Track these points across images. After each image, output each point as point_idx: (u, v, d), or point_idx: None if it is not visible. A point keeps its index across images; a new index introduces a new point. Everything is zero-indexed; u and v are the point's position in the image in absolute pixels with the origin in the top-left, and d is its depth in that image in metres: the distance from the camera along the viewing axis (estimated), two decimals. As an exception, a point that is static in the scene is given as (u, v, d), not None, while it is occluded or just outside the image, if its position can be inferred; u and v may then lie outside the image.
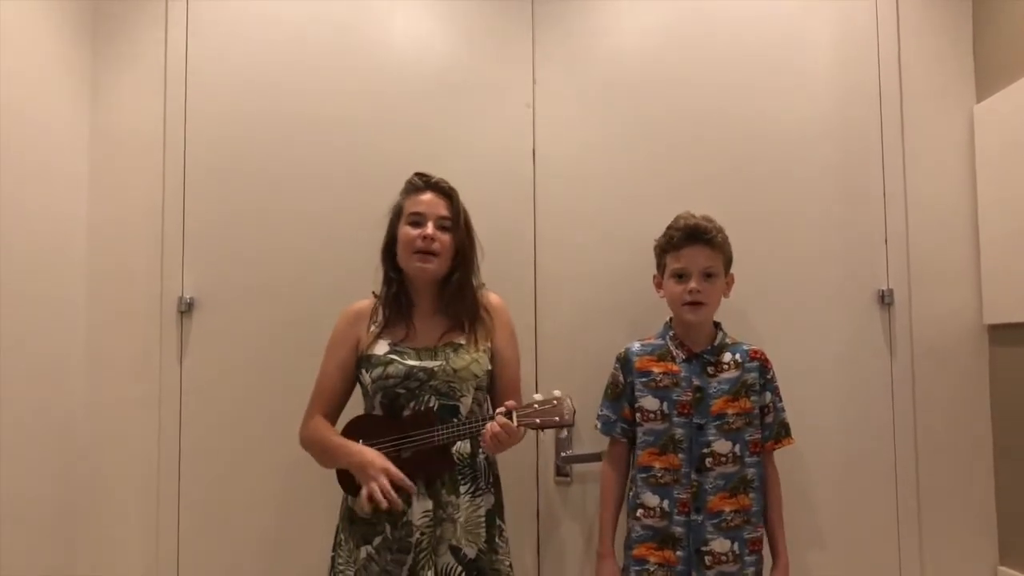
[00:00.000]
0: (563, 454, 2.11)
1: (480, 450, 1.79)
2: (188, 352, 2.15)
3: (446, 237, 1.81)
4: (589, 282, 2.18)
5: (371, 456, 1.70)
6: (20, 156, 1.92)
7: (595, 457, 2.06)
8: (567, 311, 2.17)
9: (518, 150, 2.20)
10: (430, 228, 1.79)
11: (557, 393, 1.71)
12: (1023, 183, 1.98)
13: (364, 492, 1.67)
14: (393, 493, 1.65)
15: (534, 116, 2.21)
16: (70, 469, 2.10)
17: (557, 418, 1.70)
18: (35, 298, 1.98)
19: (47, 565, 2.01)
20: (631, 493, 1.90)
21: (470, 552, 1.73)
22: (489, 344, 1.83)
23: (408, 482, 1.68)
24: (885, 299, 2.16)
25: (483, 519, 1.76)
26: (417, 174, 1.87)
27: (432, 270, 1.80)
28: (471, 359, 1.79)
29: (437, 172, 1.85)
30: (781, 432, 1.92)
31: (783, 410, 1.93)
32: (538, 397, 1.72)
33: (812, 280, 2.18)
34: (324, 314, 1.91)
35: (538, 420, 1.70)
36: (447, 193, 1.84)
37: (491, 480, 1.82)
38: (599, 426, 1.95)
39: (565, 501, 2.14)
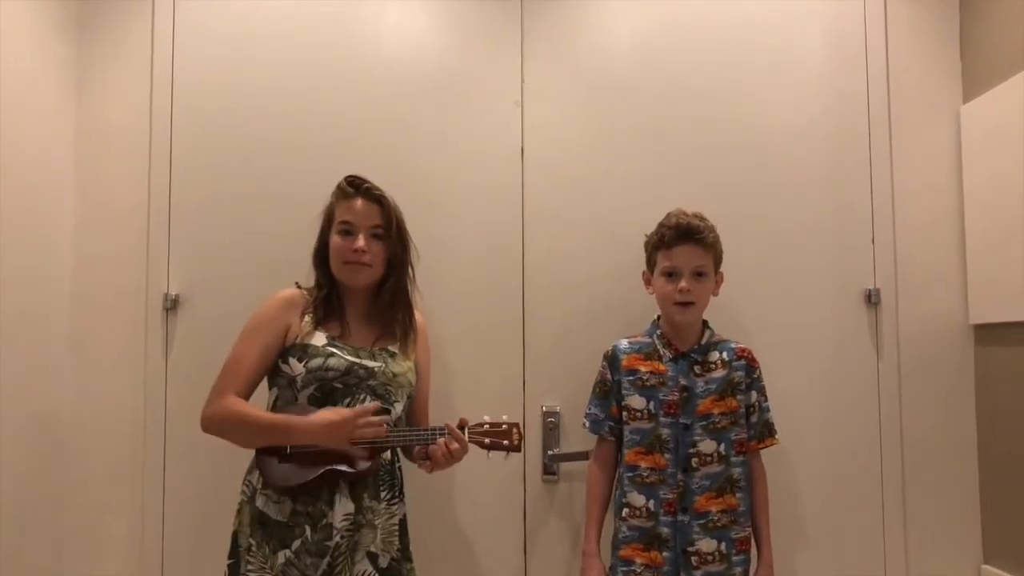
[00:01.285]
0: (550, 452, 2.11)
1: (397, 459, 1.79)
2: (173, 348, 2.13)
3: (378, 247, 1.76)
4: (578, 284, 2.17)
5: (328, 416, 1.64)
6: (5, 152, 1.90)
7: (582, 456, 2.06)
8: (555, 313, 2.16)
9: (506, 148, 2.19)
10: (361, 241, 1.73)
11: (506, 418, 1.75)
12: (1009, 183, 1.99)
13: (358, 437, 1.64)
14: (376, 419, 1.65)
15: (523, 114, 2.20)
16: (55, 466, 2.08)
17: (506, 442, 1.73)
18: (20, 295, 1.96)
19: (32, 563, 2.00)
20: (617, 492, 1.90)
21: (384, 561, 1.71)
22: (415, 357, 1.82)
23: (371, 406, 1.67)
24: (872, 299, 2.16)
25: (397, 528, 1.76)
26: (348, 178, 1.79)
27: (364, 280, 1.77)
28: (407, 367, 1.78)
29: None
30: (765, 432, 1.92)
31: (768, 410, 1.93)
32: (488, 418, 1.74)
33: (799, 279, 2.18)
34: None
35: (487, 441, 1.72)
36: (378, 200, 1.77)
37: (402, 489, 1.81)
38: (587, 424, 1.94)
39: (552, 499, 2.14)
